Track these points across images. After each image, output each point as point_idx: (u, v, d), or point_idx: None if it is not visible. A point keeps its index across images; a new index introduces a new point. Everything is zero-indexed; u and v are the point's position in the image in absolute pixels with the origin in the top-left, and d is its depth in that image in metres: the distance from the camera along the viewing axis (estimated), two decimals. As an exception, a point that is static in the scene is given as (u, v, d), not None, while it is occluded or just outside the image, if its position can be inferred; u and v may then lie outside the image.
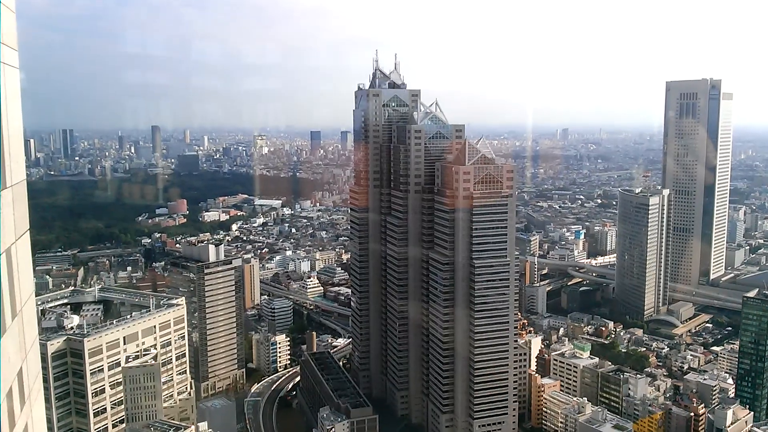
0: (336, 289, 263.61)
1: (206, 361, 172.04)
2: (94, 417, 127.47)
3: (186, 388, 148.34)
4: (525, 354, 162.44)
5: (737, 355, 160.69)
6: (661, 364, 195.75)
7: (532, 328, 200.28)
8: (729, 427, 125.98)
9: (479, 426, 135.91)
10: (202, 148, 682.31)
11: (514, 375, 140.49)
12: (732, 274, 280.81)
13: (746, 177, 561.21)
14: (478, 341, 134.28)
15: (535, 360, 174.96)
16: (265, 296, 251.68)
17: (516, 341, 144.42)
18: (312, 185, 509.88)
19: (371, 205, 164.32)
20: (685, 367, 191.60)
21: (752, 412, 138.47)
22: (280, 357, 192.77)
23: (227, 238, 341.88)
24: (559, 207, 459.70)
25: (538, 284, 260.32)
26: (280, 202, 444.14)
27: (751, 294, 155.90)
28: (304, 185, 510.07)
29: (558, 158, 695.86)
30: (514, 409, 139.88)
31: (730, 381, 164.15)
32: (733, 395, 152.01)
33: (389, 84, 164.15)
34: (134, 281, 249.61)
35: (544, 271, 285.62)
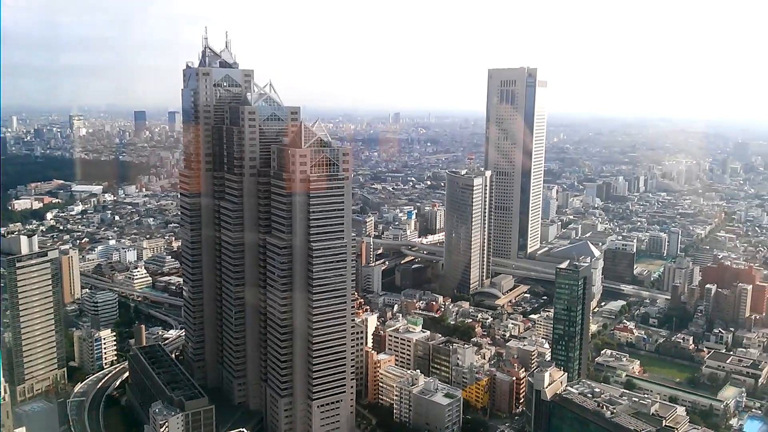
0: (166, 278, 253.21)
1: (22, 363, 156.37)
2: None
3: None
4: (362, 332, 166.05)
5: (552, 322, 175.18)
6: (485, 333, 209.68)
7: (368, 307, 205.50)
8: (546, 388, 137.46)
9: (318, 406, 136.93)
10: (10, 129, 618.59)
11: (352, 353, 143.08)
12: (546, 248, 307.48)
13: (558, 159, 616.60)
14: (317, 323, 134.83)
15: (372, 337, 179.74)
16: (87, 289, 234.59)
17: (353, 320, 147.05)
18: (137, 169, 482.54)
19: (203, 190, 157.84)
20: (507, 335, 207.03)
21: (566, 373, 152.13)
22: (105, 353, 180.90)
23: (41, 228, 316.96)
24: (393, 189, 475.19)
25: (373, 264, 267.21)
26: (101, 187, 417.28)
27: (563, 265, 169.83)
28: (129, 169, 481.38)
29: (391, 141, 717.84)
30: (351, 387, 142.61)
31: (547, 346, 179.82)
32: (549, 359, 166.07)
33: (220, 63, 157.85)
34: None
35: (379, 251, 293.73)
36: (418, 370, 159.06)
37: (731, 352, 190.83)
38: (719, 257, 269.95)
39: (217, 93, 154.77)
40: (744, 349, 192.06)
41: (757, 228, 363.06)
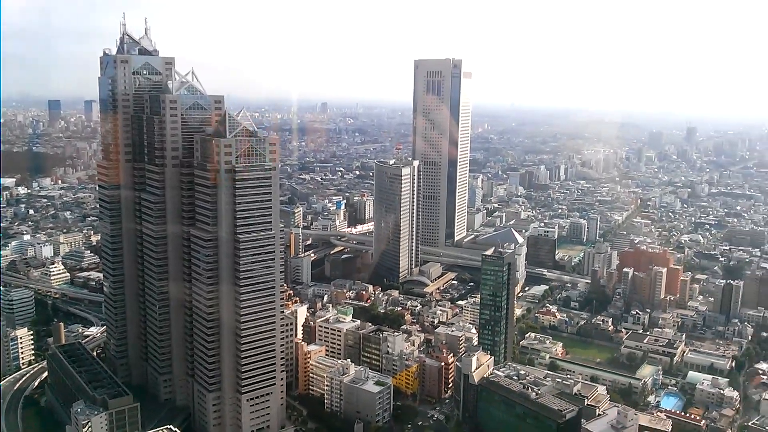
0: (85, 274, 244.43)
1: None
2: None
3: None
4: (291, 324, 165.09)
5: (479, 307, 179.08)
6: (415, 320, 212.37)
7: (298, 298, 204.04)
8: (474, 372, 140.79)
9: (247, 400, 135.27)
10: None
11: (282, 346, 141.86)
12: (473, 235, 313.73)
13: (483, 149, 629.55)
14: (245, 316, 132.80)
15: (302, 328, 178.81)
16: (1, 287, 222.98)
17: (282, 312, 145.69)
18: (52, 160, 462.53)
19: (123, 181, 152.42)
20: (436, 321, 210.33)
21: (493, 357, 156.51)
22: (22, 353, 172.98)
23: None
24: (321, 179, 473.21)
25: (302, 255, 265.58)
26: (14, 180, 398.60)
27: (489, 252, 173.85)
28: (43, 160, 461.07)
29: (319, 131, 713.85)
30: (281, 380, 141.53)
31: (474, 331, 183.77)
32: (476, 343, 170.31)
33: (139, 50, 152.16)
34: None
35: (309, 242, 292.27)
36: (349, 360, 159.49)
37: (648, 333, 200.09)
38: (635, 242, 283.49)
39: (136, 81, 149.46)
40: (660, 329, 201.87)
41: (670, 214, 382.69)
